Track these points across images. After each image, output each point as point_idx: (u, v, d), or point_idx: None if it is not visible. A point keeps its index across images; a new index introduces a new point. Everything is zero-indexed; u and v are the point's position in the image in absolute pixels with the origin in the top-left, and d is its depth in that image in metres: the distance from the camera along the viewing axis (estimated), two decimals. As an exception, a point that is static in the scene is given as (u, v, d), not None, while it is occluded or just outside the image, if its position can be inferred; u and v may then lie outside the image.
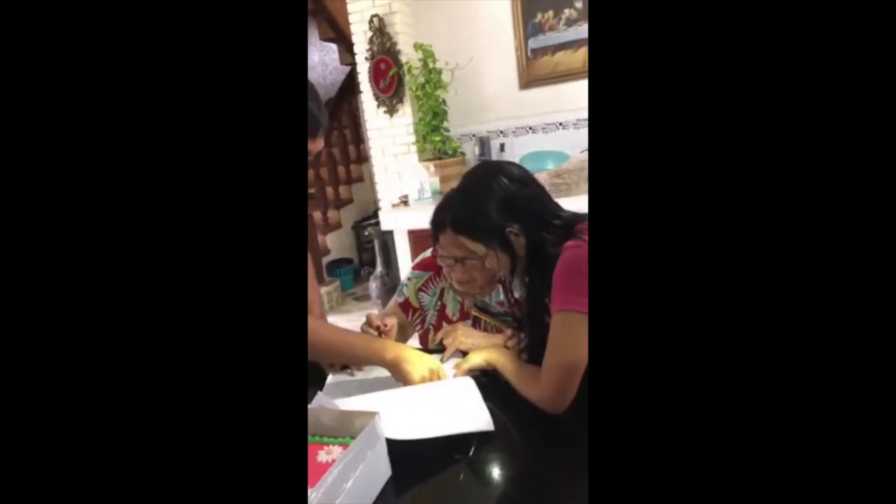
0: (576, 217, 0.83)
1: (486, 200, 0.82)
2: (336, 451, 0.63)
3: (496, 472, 0.68)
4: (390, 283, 3.00)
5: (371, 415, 0.64)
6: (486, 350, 0.88)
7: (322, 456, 0.63)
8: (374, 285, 3.08)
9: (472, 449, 0.69)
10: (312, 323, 0.83)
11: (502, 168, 0.87)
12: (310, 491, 0.51)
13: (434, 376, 0.84)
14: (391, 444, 0.65)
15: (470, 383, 0.82)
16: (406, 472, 0.65)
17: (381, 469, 0.64)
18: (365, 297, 3.52)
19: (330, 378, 0.95)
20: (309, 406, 0.69)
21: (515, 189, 0.83)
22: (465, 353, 0.93)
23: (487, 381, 0.84)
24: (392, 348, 0.86)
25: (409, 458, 0.66)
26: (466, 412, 0.74)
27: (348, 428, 0.65)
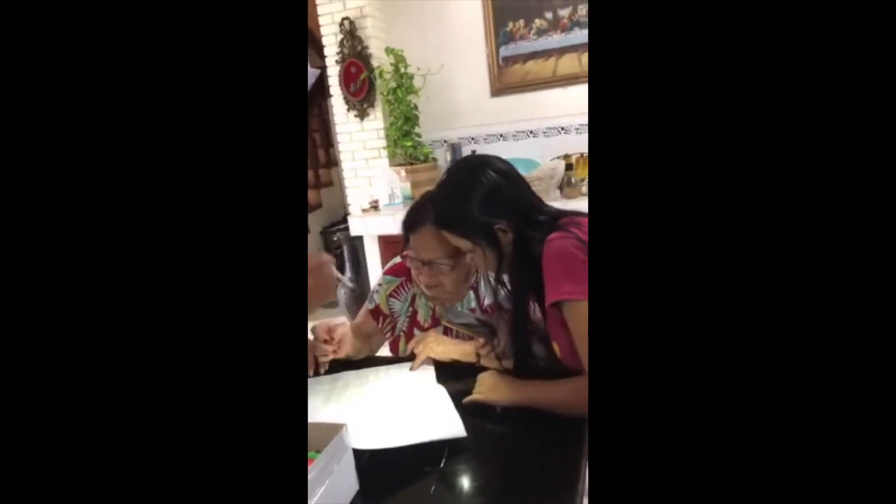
0: (559, 213, 0.82)
1: (474, 194, 0.79)
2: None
3: (468, 483, 0.67)
4: (359, 289, 2.96)
5: (338, 427, 0.62)
6: (485, 382, 0.81)
7: (286, 471, 0.60)
8: (342, 292, 3.03)
9: (444, 459, 0.67)
10: None
11: (489, 161, 0.84)
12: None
13: None
14: (359, 453, 0.63)
15: (441, 390, 0.80)
16: (374, 485, 0.63)
17: (347, 483, 0.61)
18: (333, 304, 3.45)
19: None
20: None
21: (503, 183, 0.80)
22: (435, 362, 0.92)
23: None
24: None
25: (378, 469, 0.64)
26: (438, 419, 0.72)
27: (315, 441, 0.62)
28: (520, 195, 0.81)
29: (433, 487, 0.64)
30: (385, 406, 0.78)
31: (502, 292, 0.83)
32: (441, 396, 0.79)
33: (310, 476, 0.54)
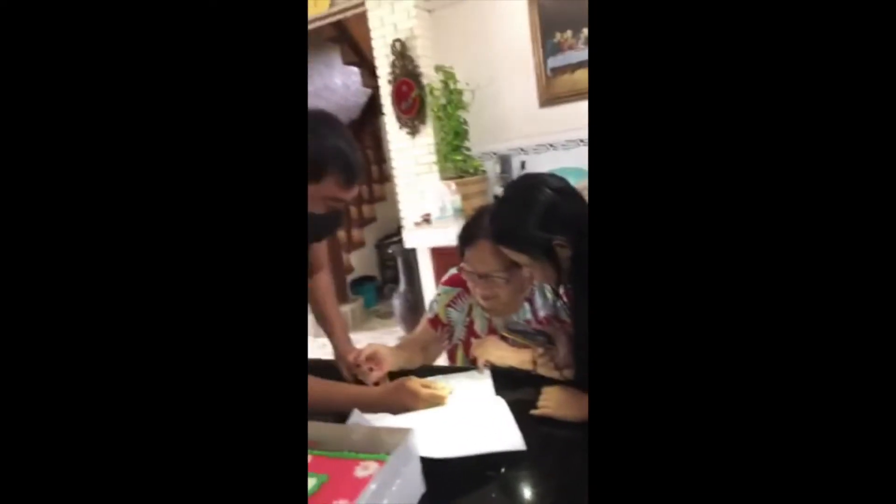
0: None
1: (531, 212, 0.83)
2: (373, 466, 0.64)
3: (527, 491, 0.69)
4: (413, 300, 3.03)
5: (405, 431, 0.66)
6: (553, 396, 0.83)
7: (359, 472, 0.64)
8: (397, 302, 3.11)
9: (503, 468, 0.69)
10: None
11: (545, 180, 0.87)
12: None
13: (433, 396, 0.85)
14: (424, 461, 0.67)
15: (501, 402, 0.83)
16: (440, 489, 0.66)
17: (415, 485, 0.65)
18: (388, 314, 3.55)
19: None
20: (345, 423, 0.71)
21: (559, 200, 0.84)
22: (493, 369, 0.94)
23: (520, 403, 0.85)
24: (373, 390, 0.88)
25: (443, 475, 0.68)
26: (498, 431, 0.75)
27: (383, 444, 0.66)
28: (576, 211, 0.83)
29: (493, 493, 0.66)
30: (446, 415, 0.81)
31: (560, 304, 0.85)
32: (502, 408, 0.81)
33: (382, 476, 0.59)
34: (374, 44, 2.80)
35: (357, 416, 0.73)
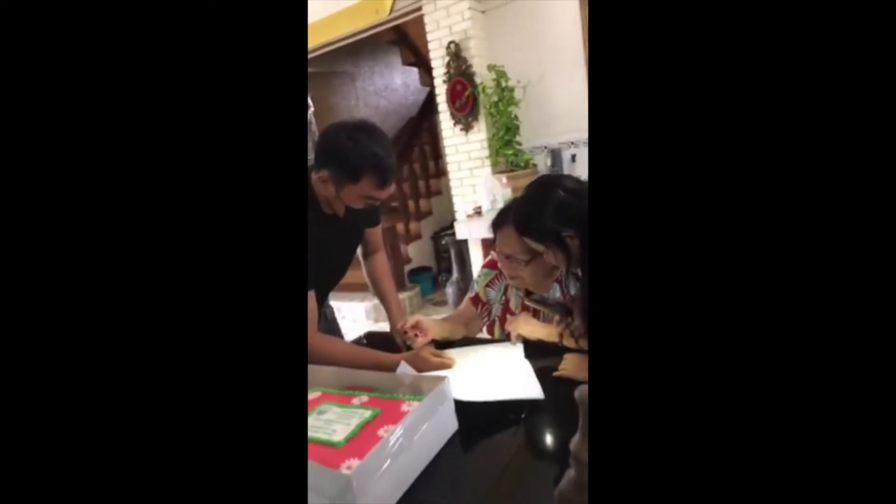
0: None
1: (547, 208, 0.97)
2: (416, 405, 0.80)
3: (545, 434, 0.82)
4: (464, 288, 3.18)
5: (442, 378, 0.81)
6: (571, 360, 0.96)
7: (404, 407, 0.80)
8: (450, 290, 3.28)
9: (524, 413, 0.83)
10: (328, 341, 1.05)
11: (560, 181, 1.02)
12: (395, 427, 0.69)
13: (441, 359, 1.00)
14: (458, 403, 0.81)
15: (527, 363, 0.96)
16: (471, 428, 0.81)
17: (449, 421, 0.80)
18: (442, 303, 3.73)
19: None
20: (395, 372, 0.88)
21: (570, 199, 0.97)
22: (524, 340, 1.07)
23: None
24: (395, 356, 1.02)
25: (473, 416, 0.82)
26: (522, 383, 0.88)
27: (424, 389, 0.82)
28: (584, 207, 0.96)
29: (514, 432, 0.80)
30: (479, 371, 0.96)
31: (574, 284, 0.98)
32: (526, 367, 0.95)
33: (420, 410, 0.74)
34: (430, 45, 2.97)
35: (403, 367, 0.89)
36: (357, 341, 1.29)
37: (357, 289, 2.94)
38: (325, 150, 0.95)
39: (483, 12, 2.89)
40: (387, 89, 4.95)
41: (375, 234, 1.28)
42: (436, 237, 4.31)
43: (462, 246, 3.08)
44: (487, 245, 2.68)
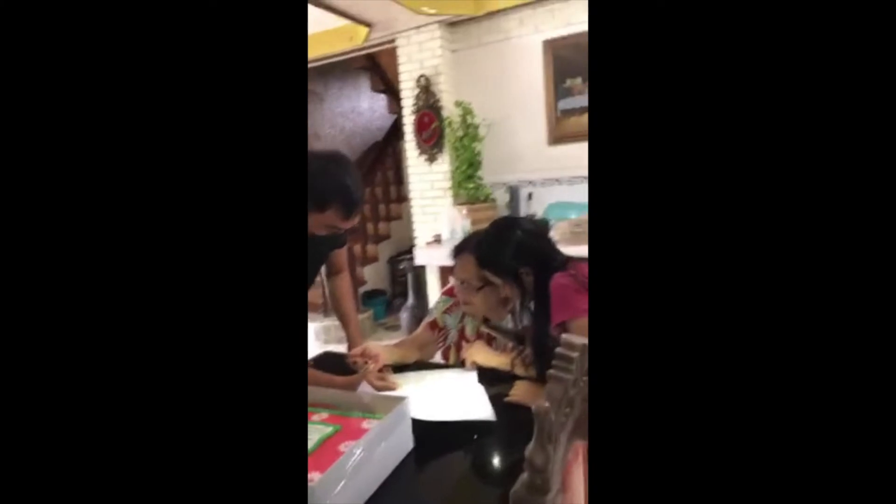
0: (567, 258, 1.06)
1: (506, 246, 1.07)
2: (375, 423, 0.84)
3: (495, 455, 0.88)
4: (420, 314, 3.22)
5: (401, 398, 0.85)
6: (521, 387, 1.04)
7: (364, 425, 0.84)
8: (405, 315, 3.31)
9: (476, 434, 0.88)
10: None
11: (518, 222, 1.13)
12: (356, 442, 0.72)
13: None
14: (415, 422, 0.86)
15: (480, 388, 1.02)
16: (425, 446, 0.85)
17: (406, 439, 0.84)
18: (395, 327, 3.74)
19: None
20: (357, 391, 0.91)
21: (527, 239, 1.07)
22: (478, 367, 1.14)
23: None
24: (345, 379, 1.08)
25: (429, 436, 0.87)
26: (475, 406, 0.94)
27: (384, 407, 0.86)
28: (540, 248, 1.08)
29: (468, 455, 0.85)
30: (435, 393, 1.01)
31: (527, 317, 1.06)
32: (480, 391, 1.01)
33: (380, 427, 0.78)
34: (401, 77, 3.08)
35: (364, 386, 0.93)
36: (313, 361, 1.30)
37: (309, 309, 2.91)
38: None
39: (453, 51, 3.05)
40: (353, 112, 5.02)
41: (340, 255, 1.32)
42: (392, 261, 4.34)
43: (420, 272, 3.14)
44: (445, 272, 2.76)
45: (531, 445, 0.39)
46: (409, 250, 3.70)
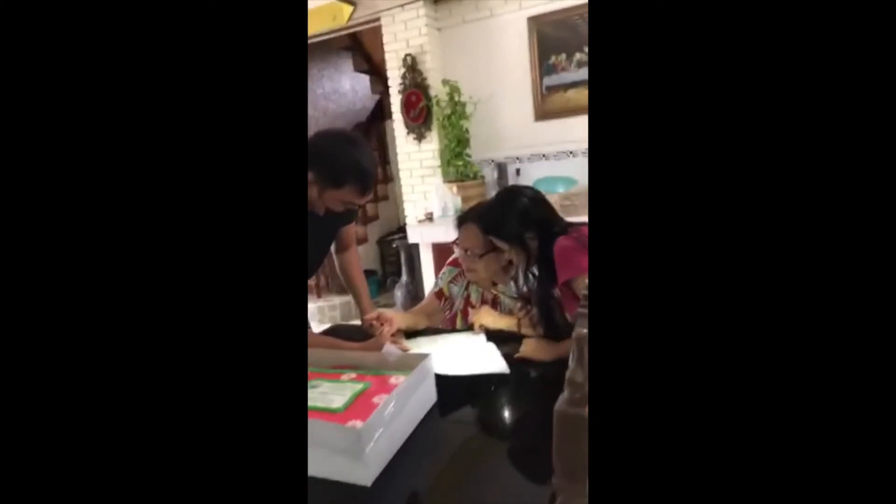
0: (569, 224, 1.15)
1: (512, 212, 1.14)
2: (403, 378, 0.91)
3: (508, 405, 0.96)
4: (414, 290, 3.29)
5: (424, 356, 0.93)
6: (529, 344, 1.12)
7: (392, 381, 0.91)
8: (399, 293, 3.38)
9: (493, 386, 0.97)
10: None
11: (523, 190, 1.21)
12: (387, 397, 0.80)
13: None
14: (437, 377, 0.94)
15: (491, 345, 1.11)
16: (447, 398, 0.93)
17: (430, 393, 0.92)
18: (388, 305, 3.81)
19: None
20: (382, 350, 0.99)
21: (531, 206, 1.15)
22: (487, 330, 1.22)
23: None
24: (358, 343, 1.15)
25: (449, 388, 0.95)
26: (489, 360, 1.03)
27: (409, 365, 0.94)
28: (543, 214, 1.16)
29: (485, 405, 0.94)
30: (453, 350, 1.09)
31: (532, 280, 1.15)
32: (491, 348, 1.09)
33: (408, 382, 0.85)
34: (386, 57, 3.08)
35: (388, 348, 1.00)
36: (326, 332, 1.37)
37: (306, 289, 2.95)
38: (313, 155, 1.04)
39: (439, 29, 3.06)
40: (335, 93, 4.97)
41: (349, 230, 1.38)
42: (382, 242, 4.38)
43: (413, 250, 3.20)
44: (438, 249, 2.82)
45: (571, 366, 0.47)
46: (399, 230, 3.75)
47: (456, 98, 2.87)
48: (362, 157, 1.06)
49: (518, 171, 3.00)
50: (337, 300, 3.66)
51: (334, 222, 1.26)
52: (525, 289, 1.22)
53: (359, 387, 0.89)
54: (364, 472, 0.71)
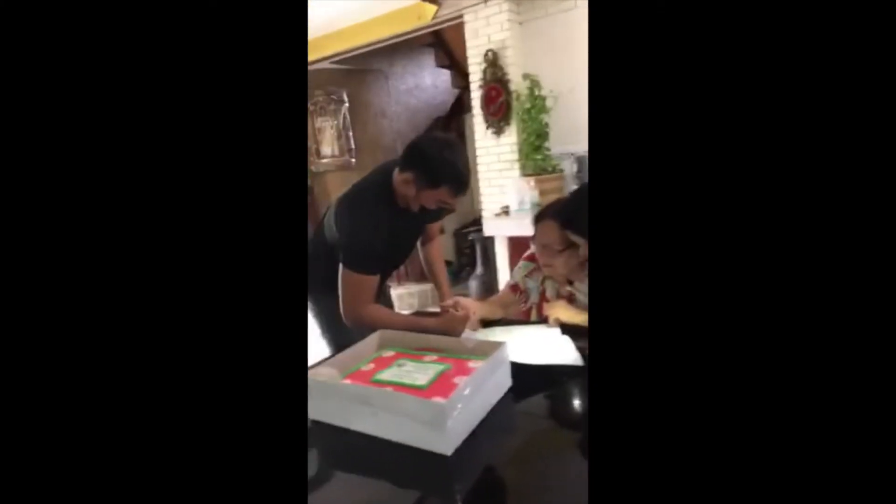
0: None
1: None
2: (481, 363, 0.99)
3: (580, 395, 1.00)
4: (488, 281, 3.36)
5: (500, 343, 1.00)
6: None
7: (470, 365, 0.99)
8: (473, 284, 3.47)
9: (566, 377, 1.01)
10: (388, 312, 1.26)
11: None
12: (467, 379, 0.87)
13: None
14: (513, 364, 1.00)
15: (566, 338, 1.15)
16: (522, 386, 0.99)
17: (505, 378, 0.99)
18: (462, 296, 3.92)
19: None
20: (462, 336, 1.07)
21: None
22: (562, 325, 1.26)
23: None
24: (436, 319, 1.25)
25: (524, 376, 1.01)
26: (564, 352, 1.08)
27: (486, 351, 1.01)
28: None
29: (557, 394, 0.98)
30: (529, 341, 1.15)
31: None
32: (566, 340, 1.14)
33: (481, 370, 0.92)
34: (468, 52, 3.14)
35: (468, 333, 1.08)
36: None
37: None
38: (414, 156, 1.14)
39: (521, 23, 3.06)
40: (417, 88, 5.13)
41: (435, 225, 1.47)
42: (458, 233, 4.49)
43: (488, 243, 3.26)
44: (513, 242, 2.87)
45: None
46: (474, 222, 3.83)
47: (536, 92, 2.87)
48: (459, 160, 1.15)
49: (598, 166, 2.94)
50: (416, 288, 3.83)
51: (425, 218, 1.36)
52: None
53: (441, 367, 0.98)
54: (445, 443, 0.79)
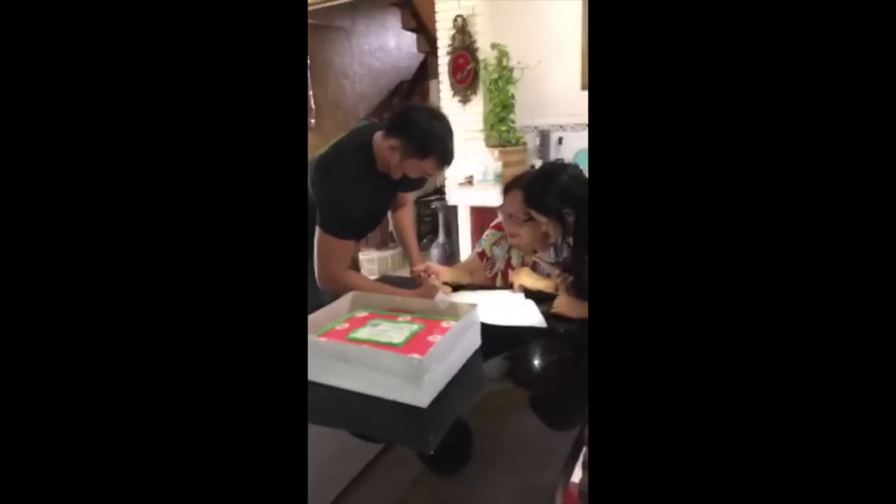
0: None
1: (553, 188, 1.23)
2: (454, 323, 1.04)
3: (543, 354, 1.09)
4: (450, 250, 3.42)
5: (472, 305, 1.05)
6: (563, 301, 1.23)
7: (443, 325, 1.04)
8: (435, 251, 3.52)
9: (531, 337, 1.09)
10: (360, 277, 1.28)
11: (566, 168, 1.29)
12: (441, 337, 0.92)
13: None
14: (483, 325, 1.06)
15: (530, 301, 1.23)
16: (490, 346, 1.06)
17: (476, 338, 1.05)
18: (422, 264, 3.98)
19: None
20: (435, 299, 1.12)
21: (571, 184, 1.24)
22: (526, 290, 1.33)
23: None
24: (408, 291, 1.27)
25: (492, 336, 1.08)
26: (528, 314, 1.15)
27: (458, 312, 1.06)
28: (582, 192, 1.23)
29: (523, 353, 1.06)
30: (497, 303, 1.21)
31: (567, 250, 1.25)
32: (530, 304, 1.21)
33: (453, 330, 0.97)
34: (437, 16, 3.09)
35: (440, 297, 1.13)
36: (378, 280, 1.51)
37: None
38: (403, 124, 1.14)
39: (491, -9, 3.04)
40: (381, 50, 4.98)
41: (405, 193, 1.49)
42: (419, 202, 4.49)
43: (451, 211, 3.30)
44: (476, 212, 2.92)
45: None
46: (436, 191, 3.85)
47: (504, 62, 2.88)
48: (447, 134, 1.17)
49: (560, 140, 3.02)
50: (377, 255, 3.85)
51: (402, 186, 1.37)
52: (561, 257, 1.32)
53: (415, 327, 1.03)
54: (421, 396, 0.84)
